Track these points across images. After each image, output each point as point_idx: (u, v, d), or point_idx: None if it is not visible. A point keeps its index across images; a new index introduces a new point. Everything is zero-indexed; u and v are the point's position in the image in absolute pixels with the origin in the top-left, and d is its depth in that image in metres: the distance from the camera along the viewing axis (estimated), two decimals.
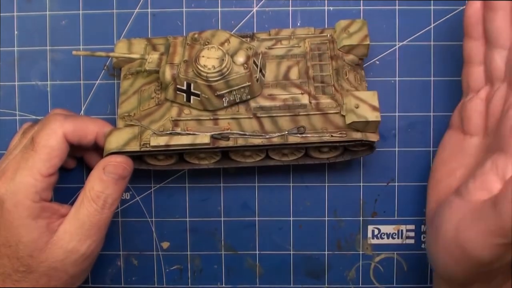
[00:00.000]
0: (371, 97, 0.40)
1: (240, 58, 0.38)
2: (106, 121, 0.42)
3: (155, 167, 0.43)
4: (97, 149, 0.43)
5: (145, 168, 0.43)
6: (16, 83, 0.47)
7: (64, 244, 0.38)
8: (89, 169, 0.45)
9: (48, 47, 0.47)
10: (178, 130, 0.40)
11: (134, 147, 0.40)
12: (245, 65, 0.38)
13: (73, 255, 0.39)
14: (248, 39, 0.43)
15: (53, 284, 0.39)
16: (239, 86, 0.39)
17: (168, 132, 0.40)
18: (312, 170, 0.46)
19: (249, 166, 0.44)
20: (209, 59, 0.38)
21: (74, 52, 0.41)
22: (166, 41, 0.44)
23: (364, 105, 0.39)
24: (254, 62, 0.39)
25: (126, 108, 0.42)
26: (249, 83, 0.39)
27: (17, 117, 0.47)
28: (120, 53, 0.43)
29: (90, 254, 0.39)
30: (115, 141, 0.40)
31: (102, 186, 0.39)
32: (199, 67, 0.38)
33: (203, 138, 0.40)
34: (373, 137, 0.40)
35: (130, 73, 0.44)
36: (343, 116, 0.40)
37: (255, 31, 0.45)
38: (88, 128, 0.41)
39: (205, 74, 0.38)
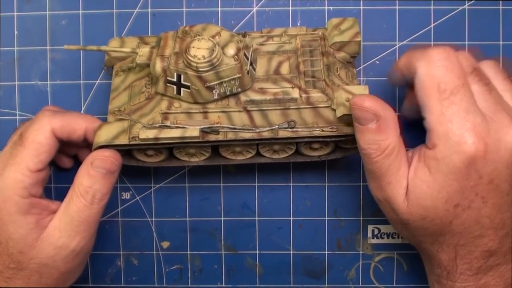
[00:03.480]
0: (362, 91, 0.40)
1: (231, 50, 0.38)
2: (96, 118, 0.42)
3: (145, 163, 0.43)
4: (90, 147, 0.43)
5: (135, 165, 0.43)
6: (16, 83, 0.47)
7: (54, 240, 0.38)
8: None
9: (48, 47, 0.47)
10: (168, 123, 0.40)
11: (123, 140, 0.40)
12: (236, 56, 0.38)
13: (63, 251, 0.38)
14: (240, 36, 0.43)
15: (44, 281, 0.39)
16: (230, 78, 0.39)
17: (157, 125, 0.40)
18: (312, 169, 0.46)
19: (249, 166, 0.44)
20: (199, 50, 0.38)
21: (65, 46, 0.41)
22: (159, 39, 0.44)
23: None
24: (245, 55, 0.39)
25: (116, 103, 0.42)
26: (240, 75, 0.39)
27: (17, 117, 0.47)
28: (112, 47, 0.43)
29: (80, 250, 0.39)
30: (104, 134, 0.40)
31: (90, 181, 0.39)
32: (189, 57, 0.38)
33: (193, 132, 0.39)
34: None
35: (121, 70, 0.44)
36: (334, 110, 0.40)
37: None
38: (77, 124, 0.40)
39: (195, 64, 0.38)
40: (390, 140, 0.37)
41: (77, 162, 0.47)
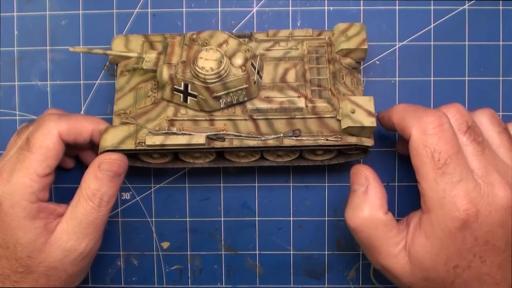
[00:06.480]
0: (367, 102, 0.40)
1: (238, 60, 0.38)
2: (102, 119, 0.42)
3: (150, 164, 0.43)
4: (93, 148, 0.43)
5: (140, 166, 0.43)
6: (16, 83, 0.47)
7: (62, 243, 0.38)
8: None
9: (48, 47, 0.47)
10: (174, 129, 0.40)
11: (130, 145, 0.40)
12: (243, 67, 0.38)
13: (71, 254, 0.39)
14: (246, 39, 0.43)
15: (52, 284, 0.39)
16: (237, 88, 0.39)
17: (163, 131, 0.40)
18: (312, 170, 0.46)
19: (249, 166, 0.44)
20: (207, 61, 0.38)
21: (71, 49, 0.41)
22: (164, 38, 0.44)
23: (360, 110, 0.39)
24: (252, 64, 0.39)
25: (122, 105, 0.42)
26: (247, 85, 0.39)
27: (17, 117, 0.47)
28: (118, 51, 0.43)
29: (88, 253, 0.39)
30: (111, 139, 0.40)
31: (97, 184, 0.39)
32: (197, 68, 0.38)
33: (199, 139, 0.40)
34: (368, 142, 0.40)
35: (126, 69, 0.44)
36: (339, 120, 0.40)
37: (255, 31, 0.45)
38: (83, 126, 0.40)
39: (202, 76, 0.38)
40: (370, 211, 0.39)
41: (79, 163, 0.47)
